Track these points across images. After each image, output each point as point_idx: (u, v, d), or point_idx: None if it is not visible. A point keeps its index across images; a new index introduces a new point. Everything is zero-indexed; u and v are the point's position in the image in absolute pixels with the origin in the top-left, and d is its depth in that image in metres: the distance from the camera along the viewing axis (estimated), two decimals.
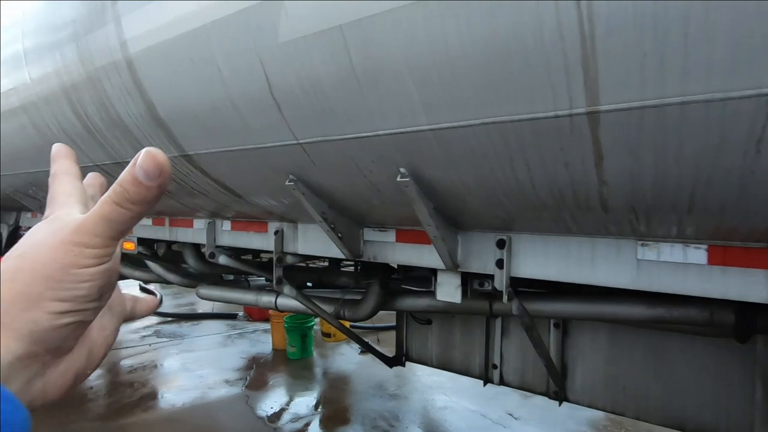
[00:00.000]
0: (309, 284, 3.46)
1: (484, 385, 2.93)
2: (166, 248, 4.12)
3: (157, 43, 1.51)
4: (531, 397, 4.07)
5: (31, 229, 0.34)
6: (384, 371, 4.83)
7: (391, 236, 1.98)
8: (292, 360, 5.15)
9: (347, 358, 5.28)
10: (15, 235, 5.61)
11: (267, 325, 6.42)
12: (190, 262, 3.43)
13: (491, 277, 1.92)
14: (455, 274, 1.88)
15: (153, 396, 4.32)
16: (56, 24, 1.93)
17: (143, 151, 0.31)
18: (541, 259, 1.57)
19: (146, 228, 3.31)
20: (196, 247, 3.45)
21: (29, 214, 4.95)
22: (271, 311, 5.48)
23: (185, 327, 6.64)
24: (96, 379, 4.80)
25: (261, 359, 5.27)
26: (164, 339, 6.06)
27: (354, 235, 2.02)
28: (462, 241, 1.74)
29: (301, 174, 1.63)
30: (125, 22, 1.59)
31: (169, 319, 7.02)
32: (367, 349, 3.21)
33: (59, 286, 0.30)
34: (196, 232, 2.93)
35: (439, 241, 1.58)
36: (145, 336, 6.19)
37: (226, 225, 2.72)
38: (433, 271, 2.17)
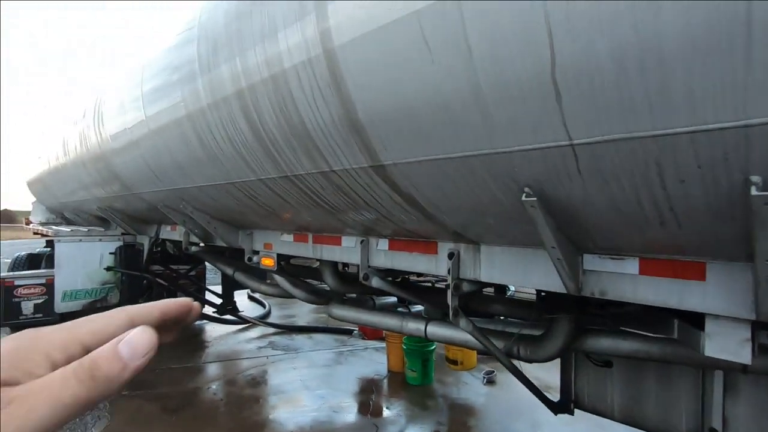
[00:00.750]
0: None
1: None
2: (286, 262, 4.04)
3: (376, 28, 1.23)
4: None
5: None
6: (517, 407, 4.26)
7: (631, 266, 1.51)
8: (412, 385, 4.80)
9: (472, 388, 4.79)
10: (155, 246, 6.06)
11: (378, 344, 6.18)
12: (329, 280, 3.25)
13: None
14: (743, 324, 1.35)
15: (280, 414, 4.23)
16: (240, 29, 1.78)
17: (137, 329, 0.28)
18: None
19: (288, 244, 3.19)
20: (334, 265, 3.26)
21: (168, 227, 5.26)
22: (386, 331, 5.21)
23: (297, 340, 6.65)
24: (223, 389, 4.88)
25: (379, 382, 4.99)
26: (280, 351, 6.09)
27: (574, 263, 1.58)
28: None
29: (545, 186, 1.24)
30: (332, 8, 1.34)
31: (282, 330, 7.12)
32: (531, 390, 2.71)
33: None
34: (344, 250, 2.70)
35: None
36: (261, 347, 6.28)
37: (383, 244, 2.44)
38: (680, 314, 1.65)
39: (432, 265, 2.18)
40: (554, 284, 1.66)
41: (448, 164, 1.36)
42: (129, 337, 0.27)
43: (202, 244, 4.69)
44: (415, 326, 2.76)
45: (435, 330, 2.67)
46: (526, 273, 1.79)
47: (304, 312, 8.38)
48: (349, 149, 1.60)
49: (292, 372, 5.32)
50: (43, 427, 0.24)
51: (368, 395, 4.63)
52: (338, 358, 5.85)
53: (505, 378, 4.89)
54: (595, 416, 2.70)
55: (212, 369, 5.56)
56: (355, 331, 6.47)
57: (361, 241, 2.52)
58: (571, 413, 2.80)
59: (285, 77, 1.61)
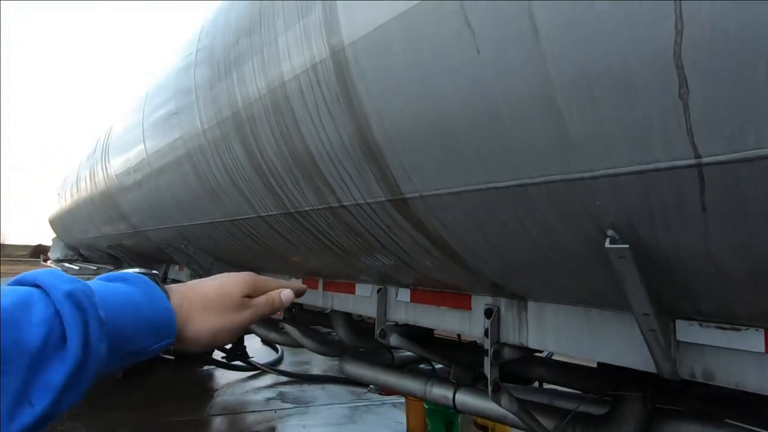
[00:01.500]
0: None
1: None
2: (298, 309, 3.67)
3: (397, 14, 0.92)
4: None
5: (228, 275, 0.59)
6: None
7: (753, 341, 1.07)
8: None
9: None
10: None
11: (396, 399, 5.60)
12: (341, 333, 2.84)
13: None
14: None
15: None
16: (239, 47, 1.52)
17: (287, 290, 0.62)
18: None
19: None
20: (348, 315, 2.88)
21: (176, 267, 5.00)
22: None
23: (308, 391, 6.13)
24: None
25: None
26: (289, 404, 5.57)
27: (664, 332, 1.16)
28: None
29: (641, 227, 0.86)
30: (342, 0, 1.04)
31: (294, 379, 6.60)
32: None
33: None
34: (358, 300, 2.32)
35: None
36: (270, 399, 5.79)
37: (403, 294, 2.05)
38: None
39: (465, 323, 1.77)
40: (637, 360, 1.23)
41: (494, 196, 1.00)
42: (285, 292, 0.61)
43: None
44: (441, 393, 2.31)
45: (465, 399, 2.21)
46: (592, 342, 1.37)
47: (319, 358, 7.84)
48: (361, 179, 1.27)
49: (302, 431, 4.79)
50: (259, 318, 0.59)
51: None
52: (352, 415, 5.29)
53: None
54: None
55: (216, 424, 5.08)
56: (371, 386, 5.91)
57: (378, 290, 2.13)
58: None
59: (285, 92, 1.31)
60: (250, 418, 5.18)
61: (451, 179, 1.05)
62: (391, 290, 2.12)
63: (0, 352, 0.32)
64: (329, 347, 3.40)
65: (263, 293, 0.58)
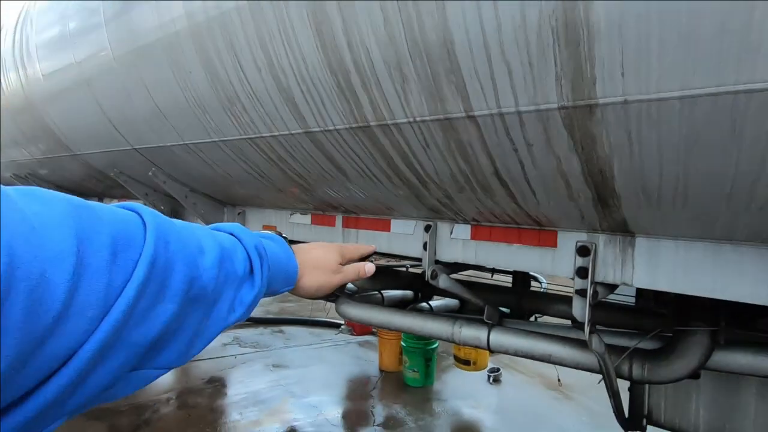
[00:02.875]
0: (505, 310, 2.58)
1: None
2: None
3: None
4: None
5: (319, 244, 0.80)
6: (536, 412, 3.91)
7: None
8: (413, 388, 4.29)
9: (478, 388, 4.37)
10: None
11: (359, 338, 5.59)
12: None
13: None
14: None
15: None
16: None
17: (370, 264, 0.83)
18: None
19: (301, 228, 2.46)
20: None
21: (115, 201, 4.22)
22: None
23: (265, 334, 5.88)
24: (187, 400, 4.05)
25: (373, 384, 4.42)
26: (248, 349, 5.30)
27: None
28: None
29: None
30: None
31: (250, 323, 6.27)
32: (615, 406, 2.27)
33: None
34: (395, 238, 2.05)
35: None
36: (225, 344, 5.44)
37: (461, 231, 1.83)
38: None
39: (546, 262, 1.61)
40: None
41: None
42: (368, 266, 0.83)
43: None
44: (473, 334, 2.19)
45: (501, 339, 2.12)
46: (719, 279, 1.28)
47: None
48: (528, 78, 0.97)
49: (270, 375, 4.59)
50: (347, 282, 0.81)
51: (367, 401, 4.05)
52: (319, 355, 5.18)
53: (510, 377, 4.54)
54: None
55: (168, 373, 4.67)
56: (342, 326, 5.81)
57: (426, 227, 1.89)
58: (643, 430, 2.42)
59: None
60: (208, 365, 4.84)
61: (709, 76, 0.80)
62: (443, 226, 1.88)
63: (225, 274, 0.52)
64: None
65: (348, 259, 0.80)
